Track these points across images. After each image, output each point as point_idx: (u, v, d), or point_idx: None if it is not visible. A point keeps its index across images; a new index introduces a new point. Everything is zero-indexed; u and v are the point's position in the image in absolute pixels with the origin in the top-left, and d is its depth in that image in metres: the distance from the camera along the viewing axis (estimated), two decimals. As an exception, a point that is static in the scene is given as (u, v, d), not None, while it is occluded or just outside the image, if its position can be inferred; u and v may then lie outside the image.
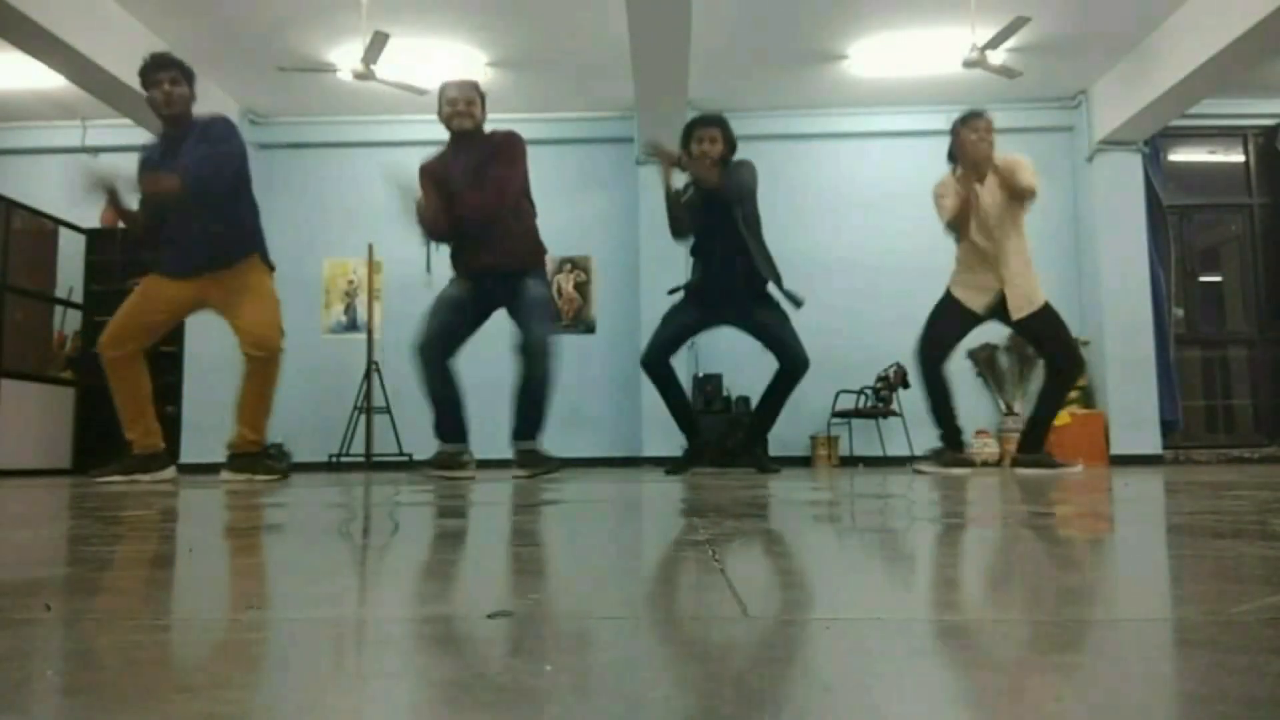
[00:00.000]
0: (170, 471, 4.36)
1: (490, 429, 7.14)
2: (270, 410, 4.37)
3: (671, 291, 5.18)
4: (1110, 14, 6.81)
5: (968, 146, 4.50)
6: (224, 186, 4.16)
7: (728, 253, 4.81)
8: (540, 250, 4.49)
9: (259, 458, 4.33)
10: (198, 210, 4.13)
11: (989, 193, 4.50)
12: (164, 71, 4.24)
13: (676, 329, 5.01)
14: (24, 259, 7.44)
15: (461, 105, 4.32)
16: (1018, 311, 4.55)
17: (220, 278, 4.25)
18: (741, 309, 4.94)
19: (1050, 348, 4.69)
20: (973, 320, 4.69)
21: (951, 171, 4.64)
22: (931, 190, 4.70)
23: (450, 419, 4.38)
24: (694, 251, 5.01)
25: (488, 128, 4.45)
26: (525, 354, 4.30)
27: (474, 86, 4.42)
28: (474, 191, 4.27)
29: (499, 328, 4.55)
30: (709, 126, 4.84)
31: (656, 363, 4.96)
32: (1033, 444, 4.67)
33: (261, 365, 4.23)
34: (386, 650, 0.66)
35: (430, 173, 4.38)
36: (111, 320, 4.33)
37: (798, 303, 4.80)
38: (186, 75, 4.29)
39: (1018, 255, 4.53)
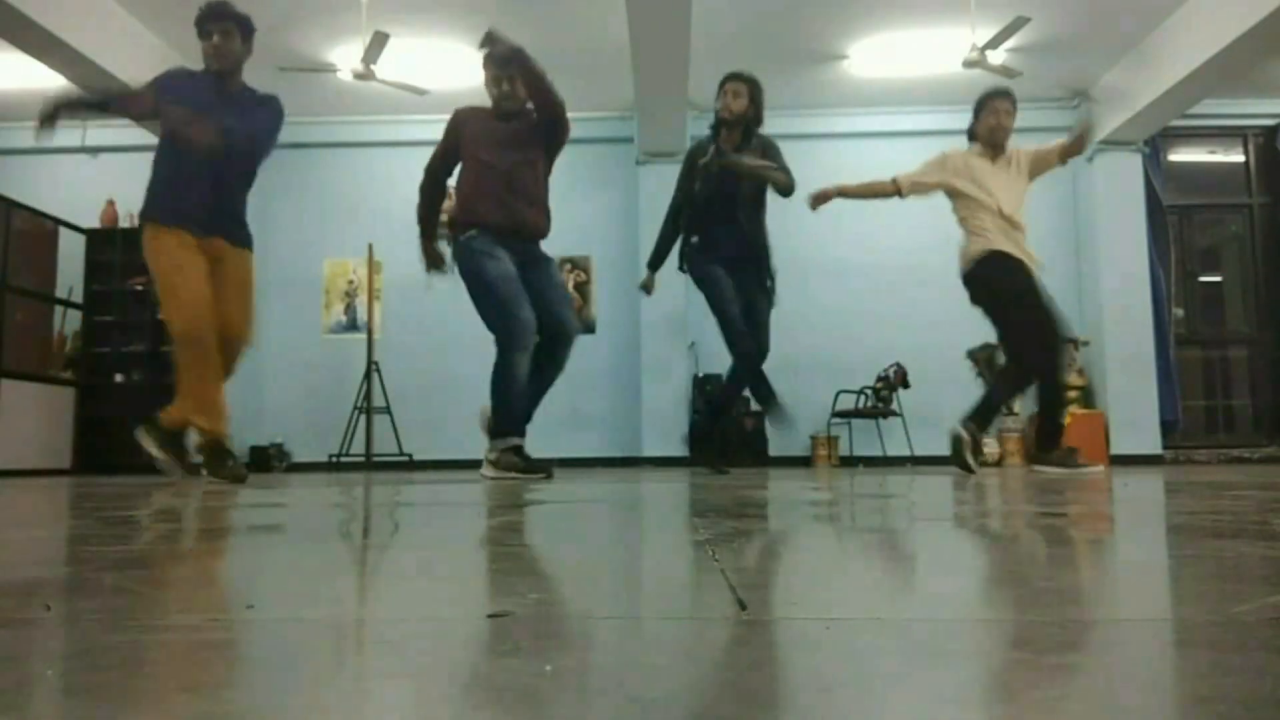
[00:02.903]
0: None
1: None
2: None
3: (681, 268, 5.10)
4: (1110, 14, 6.82)
5: (985, 129, 4.56)
6: (256, 165, 4.13)
7: (735, 223, 4.82)
8: (549, 225, 4.45)
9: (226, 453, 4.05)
10: (234, 177, 4.04)
11: (1001, 171, 4.59)
12: (216, 22, 4.00)
13: (732, 295, 4.83)
14: (24, 259, 7.44)
15: (505, 84, 4.27)
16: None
17: (241, 255, 4.08)
18: (750, 278, 4.87)
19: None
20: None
21: (969, 148, 4.66)
22: (933, 157, 4.69)
23: (525, 408, 4.14)
24: (697, 219, 4.93)
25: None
26: (559, 343, 4.12)
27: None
28: (506, 149, 4.21)
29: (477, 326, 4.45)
30: (738, 81, 4.84)
31: (757, 344, 4.81)
32: (1047, 441, 4.63)
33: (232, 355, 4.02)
34: (386, 650, 0.66)
35: (464, 119, 4.33)
36: (178, 299, 3.91)
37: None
38: (242, 28, 4.06)
39: (1022, 230, 4.59)
